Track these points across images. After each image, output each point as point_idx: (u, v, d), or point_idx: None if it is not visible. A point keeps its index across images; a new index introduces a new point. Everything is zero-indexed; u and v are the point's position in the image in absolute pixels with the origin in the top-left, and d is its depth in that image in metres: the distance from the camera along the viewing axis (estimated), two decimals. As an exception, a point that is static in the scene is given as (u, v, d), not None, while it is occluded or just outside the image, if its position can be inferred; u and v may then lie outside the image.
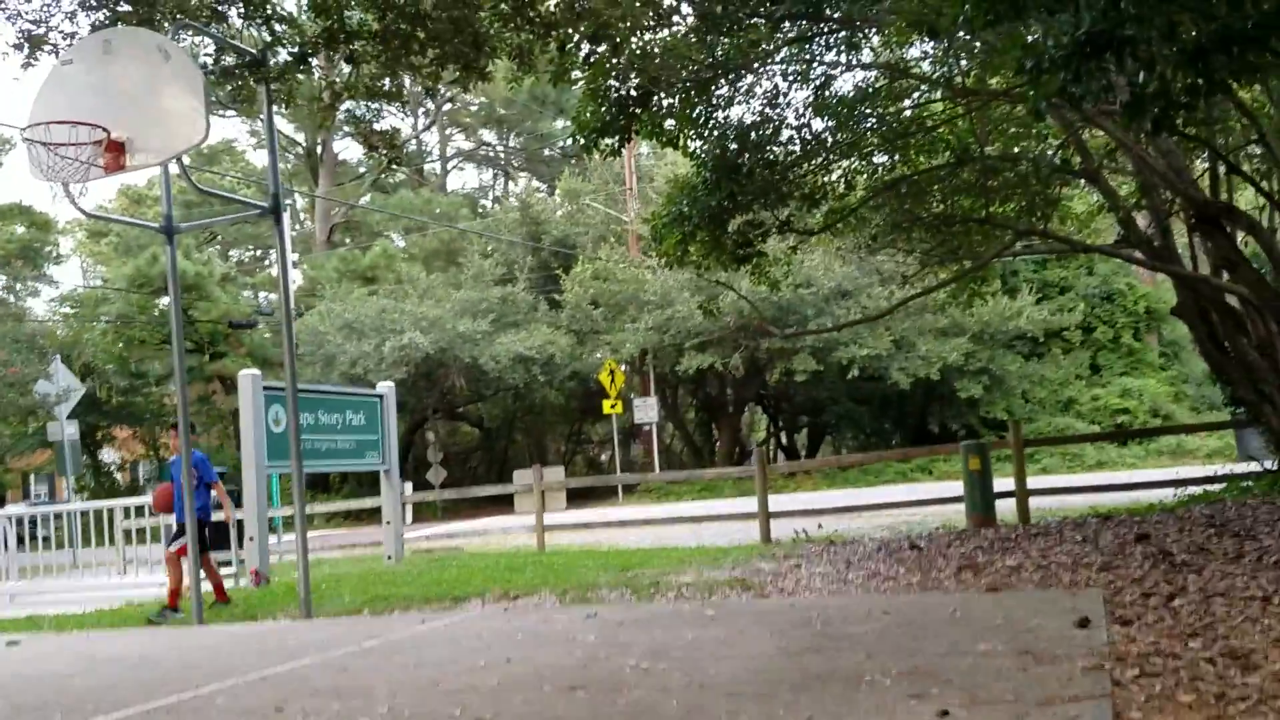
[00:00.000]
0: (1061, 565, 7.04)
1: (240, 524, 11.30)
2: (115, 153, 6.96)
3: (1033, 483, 11.09)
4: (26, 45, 7.61)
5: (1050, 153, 10.81)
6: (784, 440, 30.75)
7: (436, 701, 4.32)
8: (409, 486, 21.93)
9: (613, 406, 24.63)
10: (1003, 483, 10.86)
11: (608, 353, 25.17)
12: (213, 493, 9.20)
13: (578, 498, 24.85)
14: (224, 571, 11.64)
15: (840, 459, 24.04)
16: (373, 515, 23.62)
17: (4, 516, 13.68)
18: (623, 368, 24.97)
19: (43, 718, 4.63)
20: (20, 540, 13.75)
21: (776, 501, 11.62)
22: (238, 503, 11.77)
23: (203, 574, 8.60)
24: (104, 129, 6.84)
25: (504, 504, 23.64)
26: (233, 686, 5.01)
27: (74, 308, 36.03)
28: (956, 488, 11.06)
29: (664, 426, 28.57)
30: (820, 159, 10.37)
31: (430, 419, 28.85)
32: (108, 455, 38.27)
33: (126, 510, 13.43)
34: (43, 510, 20.00)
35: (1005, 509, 10.69)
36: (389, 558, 11.89)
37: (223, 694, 4.84)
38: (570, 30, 8.25)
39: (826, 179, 10.63)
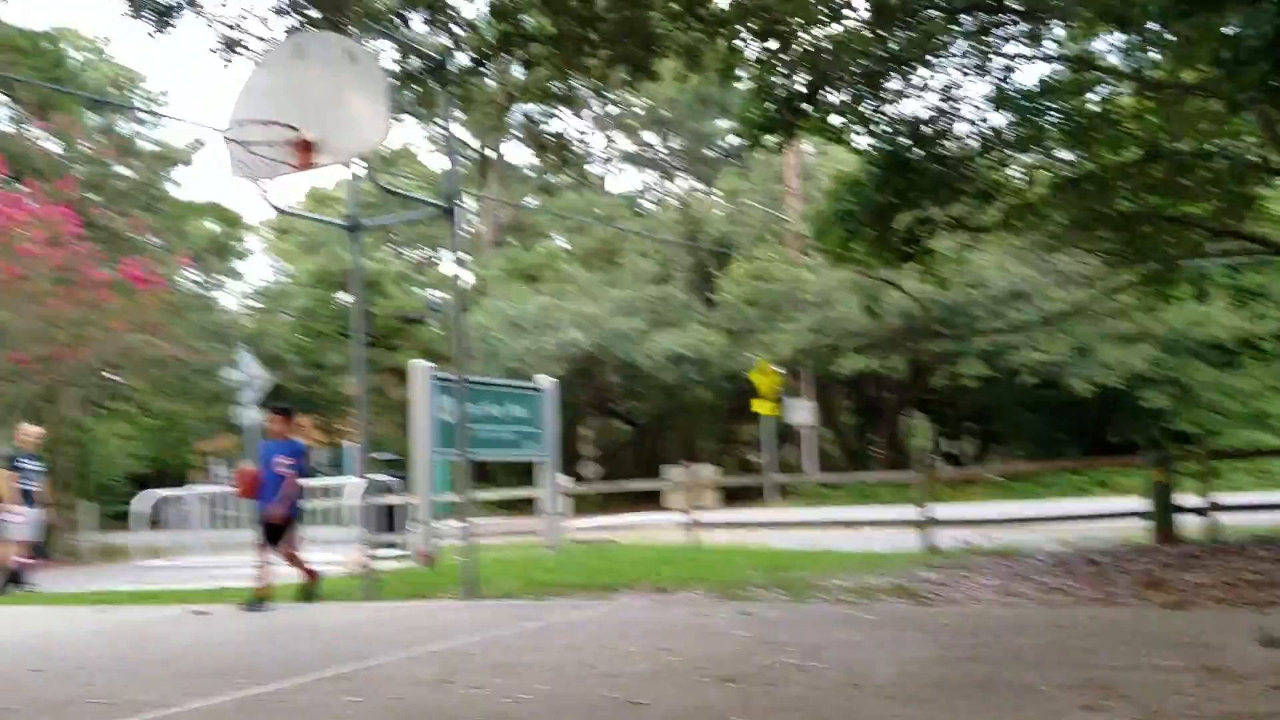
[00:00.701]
0: (1250, 583, 6.57)
1: (408, 508, 11.81)
2: (304, 152, 7.36)
3: (1221, 498, 10.38)
4: (225, 49, 8.18)
5: (1247, 149, 10.09)
6: (947, 447, 29.82)
7: (592, 683, 4.40)
8: (565, 479, 22.38)
9: (765, 407, 24.44)
10: (1189, 498, 10.23)
11: (762, 352, 25.01)
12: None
13: (729, 498, 24.78)
14: (389, 552, 12.19)
15: (1010, 468, 23.08)
16: (530, 505, 24.24)
17: (195, 495, 14.68)
18: (777, 368, 24.74)
19: (226, 681, 4.95)
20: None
21: (940, 510, 11.26)
22: (409, 487, 12.32)
23: (275, 561, 8.07)
24: (295, 129, 7.25)
25: (655, 500, 23.82)
26: (402, 659, 5.24)
27: (261, 300, 38.40)
28: (1138, 503, 10.47)
29: (818, 429, 28.17)
30: (997, 154, 10.00)
31: (585, 414, 29.36)
32: (286, 441, 40.56)
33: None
34: (227, 491, 21.44)
35: (1191, 525, 10.05)
36: (546, 546, 12.18)
37: (393, 665, 5.07)
38: (740, 27, 8.24)
39: (1004, 174, 10.24)
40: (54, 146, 24.54)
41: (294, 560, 8.43)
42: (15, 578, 11.38)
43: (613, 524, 18.28)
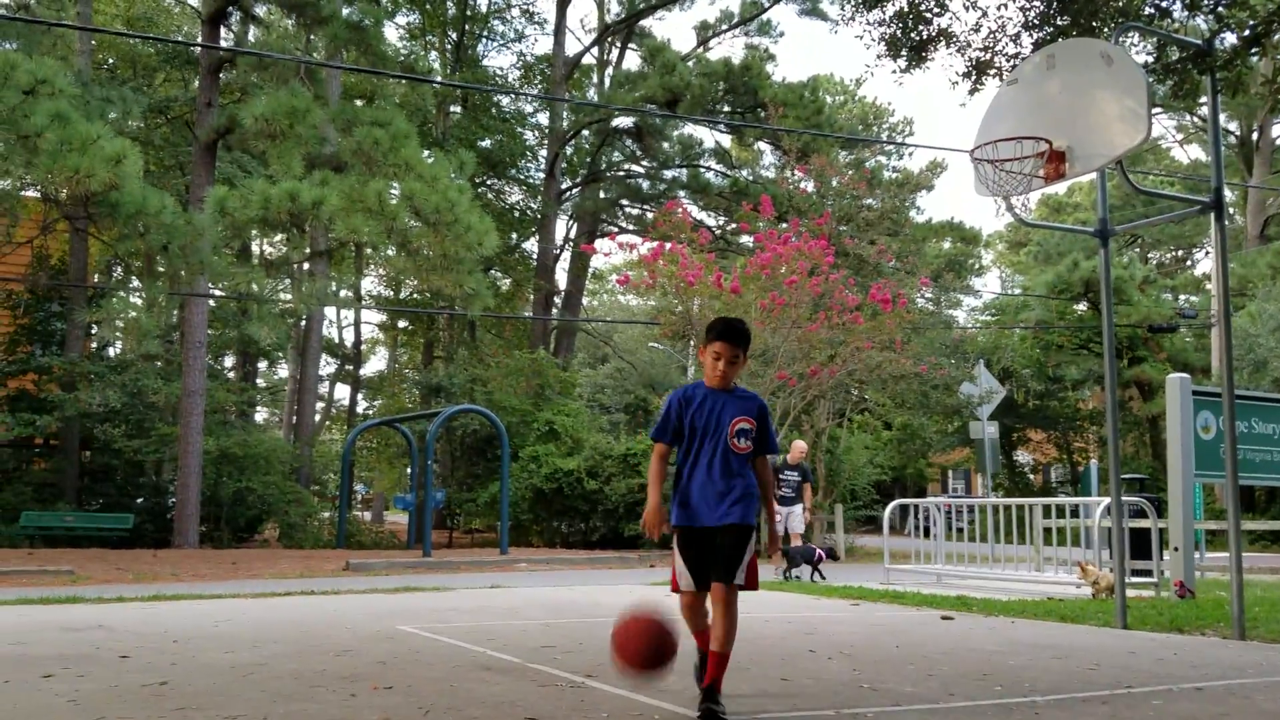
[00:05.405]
0: None
1: (1163, 534, 10.91)
2: (1055, 162, 7.28)
3: None
4: (974, 73, 8.46)
5: None
6: None
7: None
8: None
9: None
10: None
11: None
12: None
13: None
14: (1143, 580, 11.33)
15: None
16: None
17: (936, 505, 15.32)
18: None
19: (984, 686, 5.10)
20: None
21: None
22: (1160, 512, 11.37)
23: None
24: (1046, 141, 7.22)
25: None
26: (1166, 692, 4.89)
27: (994, 315, 38.75)
28: None
29: None
30: None
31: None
32: (1021, 456, 40.39)
33: (1046, 509, 13.95)
34: (962, 502, 22.03)
35: None
36: (1339, 594, 10.31)
37: (1156, 697, 4.75)
38: None
39: None
40: (811, 186, 27.67)
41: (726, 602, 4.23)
42: (817, 568, 12.95)
43: None
